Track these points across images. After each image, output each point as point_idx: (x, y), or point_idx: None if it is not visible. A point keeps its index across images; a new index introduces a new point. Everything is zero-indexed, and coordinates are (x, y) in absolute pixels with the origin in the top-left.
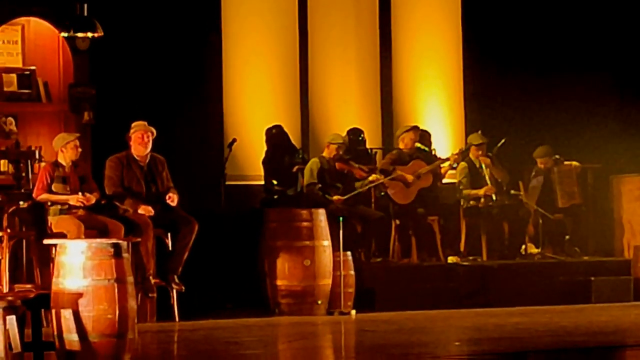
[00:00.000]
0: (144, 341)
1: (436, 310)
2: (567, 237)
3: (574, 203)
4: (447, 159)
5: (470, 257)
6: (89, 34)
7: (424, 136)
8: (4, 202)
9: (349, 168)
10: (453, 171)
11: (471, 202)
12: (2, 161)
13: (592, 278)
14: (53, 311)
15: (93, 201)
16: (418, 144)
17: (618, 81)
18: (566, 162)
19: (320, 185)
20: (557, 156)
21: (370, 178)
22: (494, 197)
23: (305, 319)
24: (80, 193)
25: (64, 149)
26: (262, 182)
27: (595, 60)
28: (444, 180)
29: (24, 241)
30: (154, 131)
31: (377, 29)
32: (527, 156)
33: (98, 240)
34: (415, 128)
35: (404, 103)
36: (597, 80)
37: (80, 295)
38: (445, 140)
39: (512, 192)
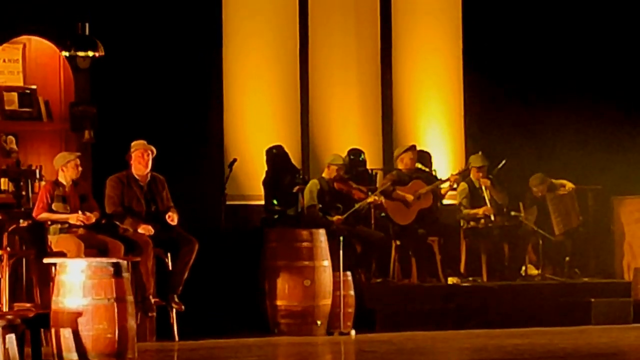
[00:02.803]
0: None
1: (436, 331)
2: (567, 258)
3: (572, 226)
4: (447, 180)
5: (471, 278)
6: (90, 53)
7: (424, 157)
8: (4, 220)
9: (347, 188)
10: (453, 192)
11: (471, 223)
12: (3, 180)
13: (592, 300)
14: (52, 330)
15: (93, 220)
16: (418, 165)
17: (619, 103)
18: (560, 184)
19: (320, 206)
20: (551, 180)
21: (369, 200)
22: (492, 217)
23: (305, 339)
24: (80, 212)
25: (65, 168)
26: (263, 202)
27: (596, 82)
28: (444, 201)
29: (24, 260)
30: (154, 150)
31: (378, 50)
32: (527, 178)
33: (98, 259)
34: (413, 148)
35: (404, 124)
36: (598, 102)
37: (79, 314)
38: (446, 161)
39: (513, 213)
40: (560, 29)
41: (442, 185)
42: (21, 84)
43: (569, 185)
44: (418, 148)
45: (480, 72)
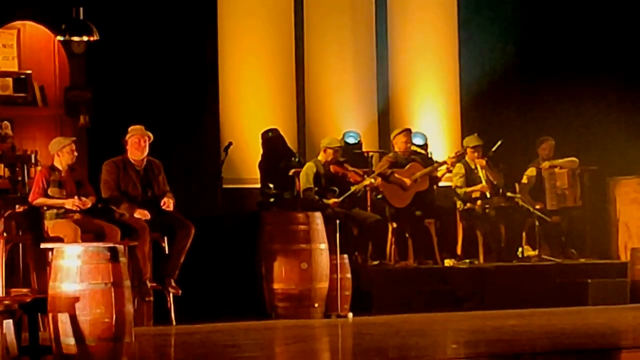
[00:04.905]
0: (140, 345)
1: (433, 312)
2: (564, 239)
3: (566, 205)
4: (444, 162)
5: (467, 260)
6: (85, 38)
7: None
8: (0, 206)
9: (343, 171)
10: (450, 174)
11: (467, 205)
12: None
13: (589, 280)
14: (50, 315)
15: (89, 205)
16: (414, 147)
17: (616, 83)
18: (562, 160)
19: (316, 189)
20: (556, 161)
21: (365, 182)
22: (488, 195)
23: (302, 322)
24: (76, 197)
25: (60, 153)
26: (259, 185)
27: (593, 62)
28: (441, 183)
29: (21, 245)
30: (151, 135)
31: (374, 32)
32: (523, 158)
33: (94, 244)
34: (405, 130)
35: (400, 106)
36: (594, 82)
37: (76, 299)
38: (442, 143)
39: (509, 194)
40: (557, 7)
41: (439, 168)
42: (16, 69)
43: (573, 160)
44: (414, 130)
45: (476, 53)
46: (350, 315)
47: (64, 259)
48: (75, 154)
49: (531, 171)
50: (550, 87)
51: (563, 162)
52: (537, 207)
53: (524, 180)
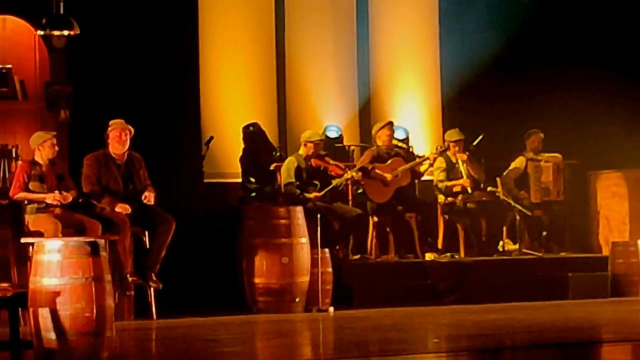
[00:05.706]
0: (121, 339)
1: (414, 307)
2: (545, 233)
3: (549, 199)
4: (427, 158)
5: (448, 254)
6: (65, 32)
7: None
8: None
9: (324, 164)
10: (432, 168)
11: (449, 199)
12: None
13: (570, 274)
14: (30, 310)
15: (70, 200)
16: (395, 141)
17: (598, 76)
18: (548, 155)
19: (297, 183)
20: (541, 155)
21: (347, 176)
22: (469, 190)
23: (283, 316)
24: (57, 191)
25: (41, 148)
26: (240, 180)
27: (575, 54)
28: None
29: (1, 240)
30: (132, 129)
31: (355, 26)
32: (504, 152)
33: (75, 238)
34: (390, 124)
35: (381, 100)
36: (576, 75)
37: (57, 293)
38: (423, 137)
39: (490, 188)
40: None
41: (422, 163)
42: None
43: (556, 156)
44: (395, 124)
45: (457, 47)
46: (331, 309)
47: (44, 254)
48: (56, 148)
49: (520, 161)
50: (532, 80)
51: (547, 157)
52: (522, 197)
53: (510, 167)
